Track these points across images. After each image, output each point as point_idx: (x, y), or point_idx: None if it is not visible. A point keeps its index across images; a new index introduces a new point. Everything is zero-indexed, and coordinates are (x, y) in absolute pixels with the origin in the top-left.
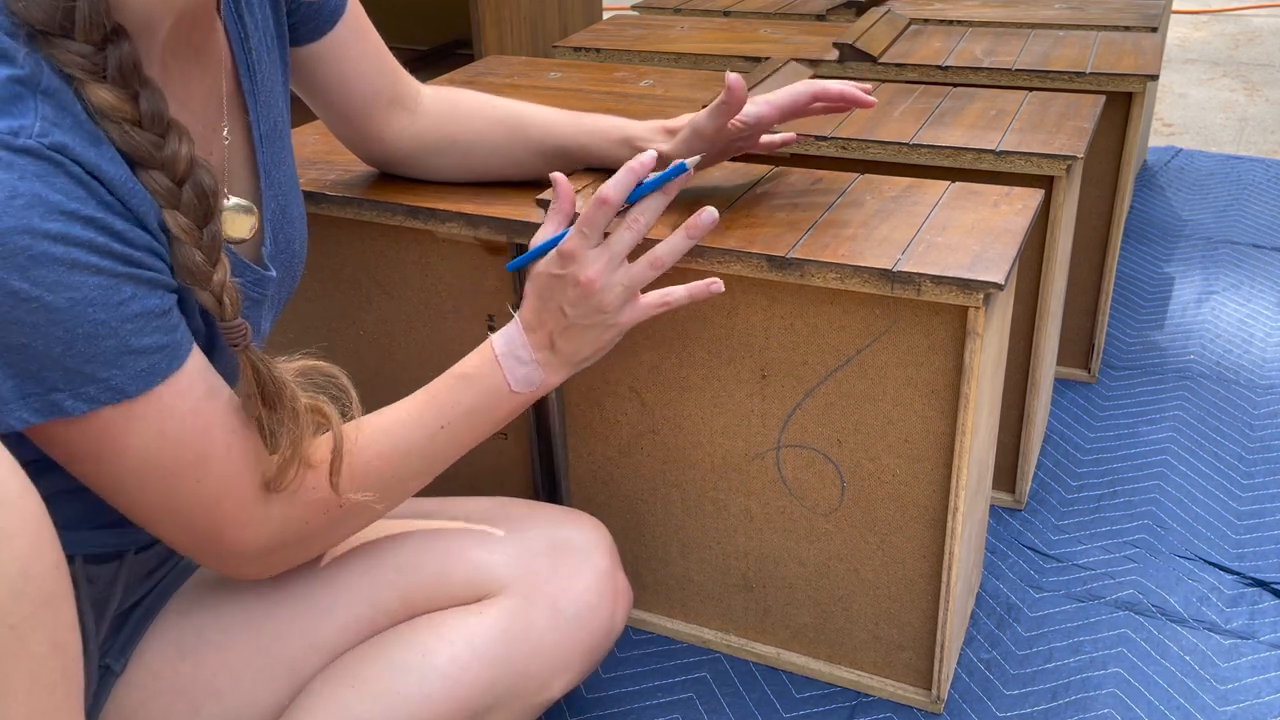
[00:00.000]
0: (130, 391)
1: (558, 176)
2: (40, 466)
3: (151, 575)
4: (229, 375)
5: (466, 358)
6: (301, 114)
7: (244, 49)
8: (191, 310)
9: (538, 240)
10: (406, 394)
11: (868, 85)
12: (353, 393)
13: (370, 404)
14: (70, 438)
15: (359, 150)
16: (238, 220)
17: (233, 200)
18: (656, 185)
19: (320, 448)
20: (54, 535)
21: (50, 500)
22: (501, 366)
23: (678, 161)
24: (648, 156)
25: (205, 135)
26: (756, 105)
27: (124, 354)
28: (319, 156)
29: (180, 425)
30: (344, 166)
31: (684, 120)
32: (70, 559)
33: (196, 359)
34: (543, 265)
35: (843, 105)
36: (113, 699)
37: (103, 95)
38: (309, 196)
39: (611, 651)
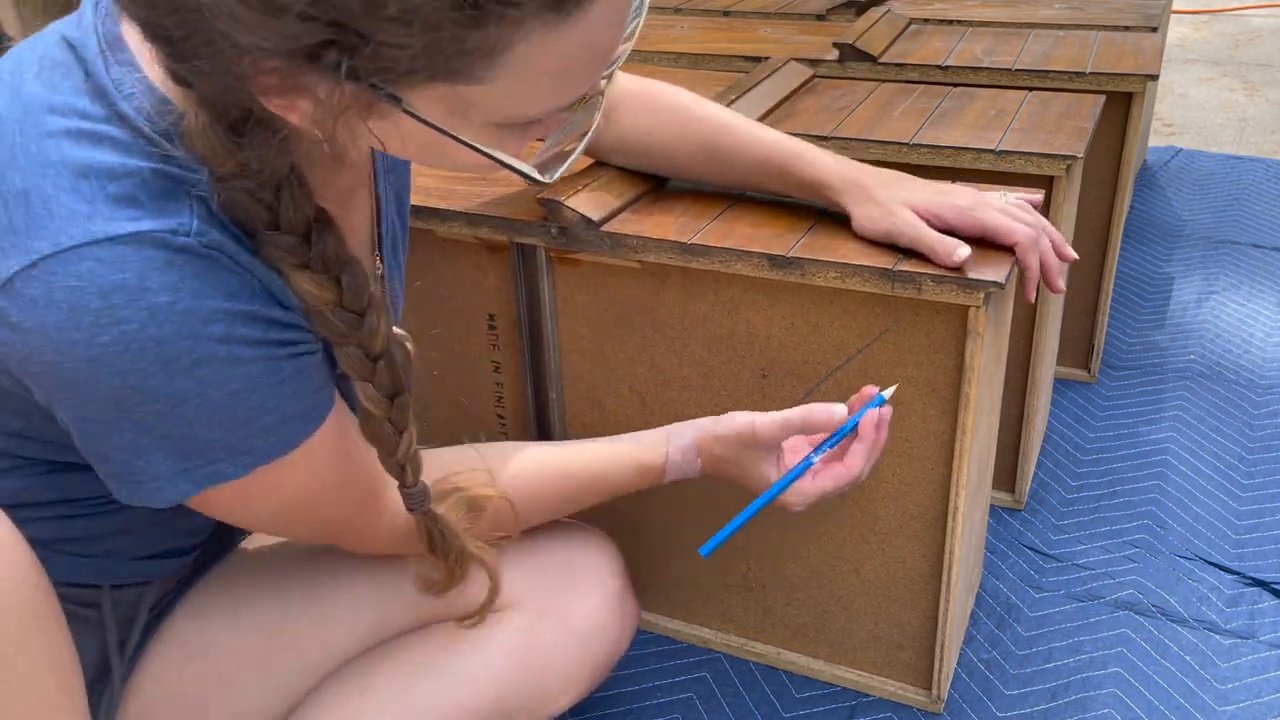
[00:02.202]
0: (287, 450)
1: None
2: (95, 504)
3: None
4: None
5: (642, 447)
6: None
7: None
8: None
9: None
10: None
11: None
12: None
13: None
14: (224, 496)
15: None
16: None
17: None
18: (854, 424)
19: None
20: (29, 556)
21: (100, 539)
22: (666, 472)
23: (877, 395)
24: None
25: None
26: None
27: (282, 423)
28: None
29: (328, 459)
30: None
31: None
32: (96, 586)
33: (336, 396)
34: (751, 455)
35: None
36: (118, 707)
37: (306, 286)
38: None
39: None
